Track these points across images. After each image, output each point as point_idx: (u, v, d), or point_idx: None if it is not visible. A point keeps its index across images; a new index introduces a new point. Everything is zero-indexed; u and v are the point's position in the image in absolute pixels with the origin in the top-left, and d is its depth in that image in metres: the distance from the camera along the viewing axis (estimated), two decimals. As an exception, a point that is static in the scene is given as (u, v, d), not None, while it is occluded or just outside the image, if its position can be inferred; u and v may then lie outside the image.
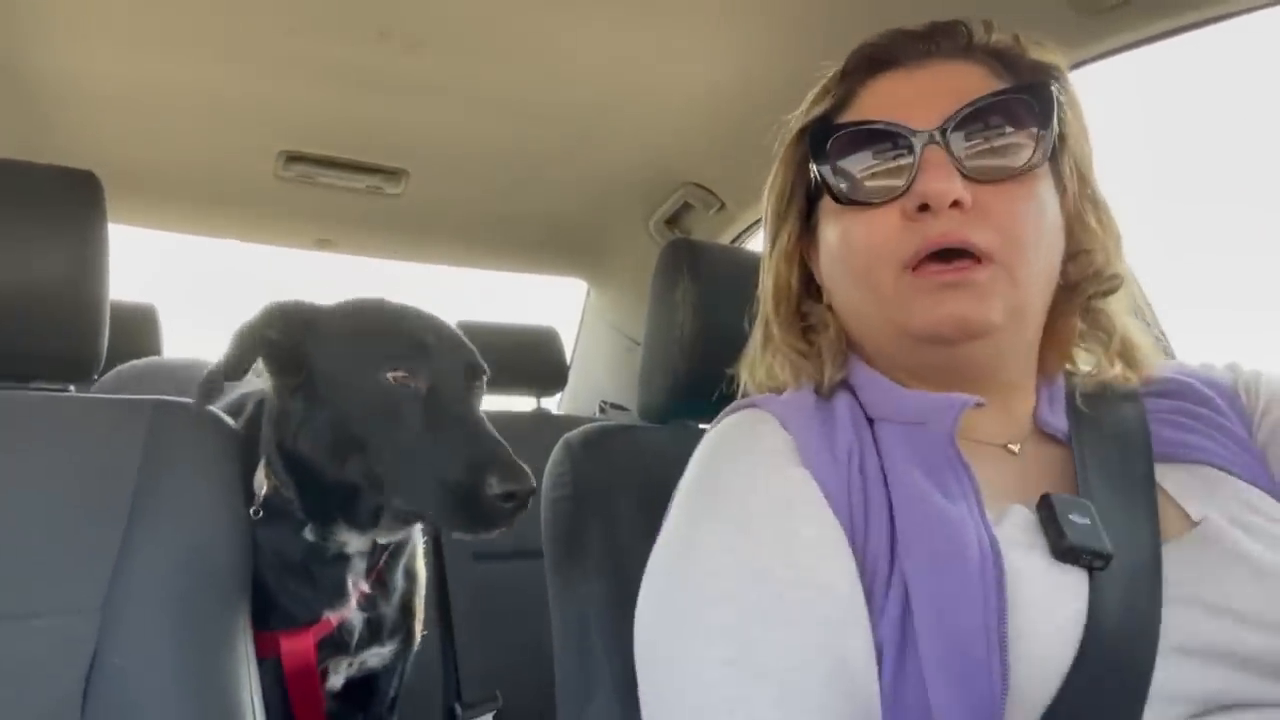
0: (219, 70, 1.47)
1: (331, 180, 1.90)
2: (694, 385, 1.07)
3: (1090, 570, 0.60)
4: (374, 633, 1.21)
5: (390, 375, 1.01)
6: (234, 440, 1.00)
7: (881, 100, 0.72)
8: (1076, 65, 1.18)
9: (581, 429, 1.08)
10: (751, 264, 0.97)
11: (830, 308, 0.79)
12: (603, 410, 2.54)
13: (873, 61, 0.75)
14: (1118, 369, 0.74)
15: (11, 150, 1.05)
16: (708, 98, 1.54)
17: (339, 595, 1.13)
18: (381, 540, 1.14)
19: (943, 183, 0.64)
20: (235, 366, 1.02)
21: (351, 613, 1.16)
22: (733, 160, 1.77)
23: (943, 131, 0.66)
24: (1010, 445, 0.72)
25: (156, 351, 2.26)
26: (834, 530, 0.63)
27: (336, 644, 1.16)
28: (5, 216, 0.90)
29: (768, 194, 0.82)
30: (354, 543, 1.11)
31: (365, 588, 1.16)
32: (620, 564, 0.93)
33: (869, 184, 0.70)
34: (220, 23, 1.32)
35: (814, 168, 0.74)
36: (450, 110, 1.61)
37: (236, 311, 1.03)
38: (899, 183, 0.67)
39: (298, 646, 1.09)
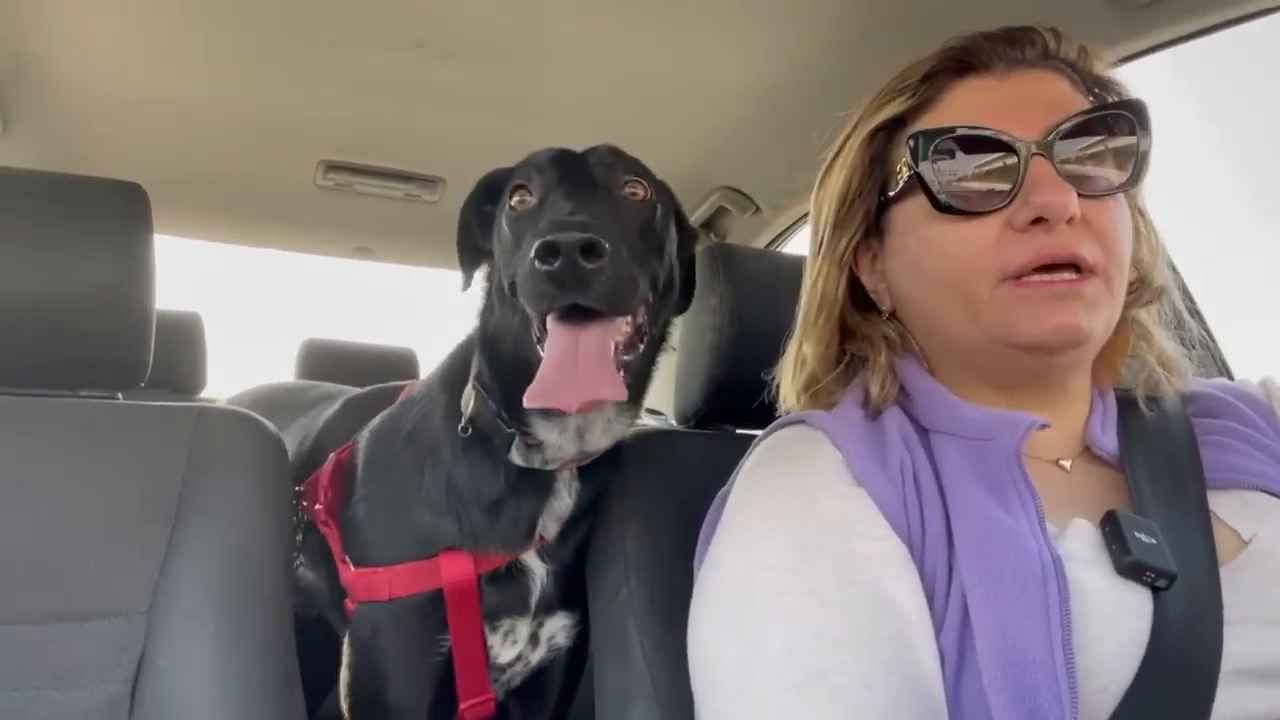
0: (260, 82, 1.49)
1: (370, 189, 1.92)
2: (731, 390, 1.07)
3: (1154, 590, 0.59)
4: (563, 594, 1.04)
5: (512, 203, 0.93)
6: (276, 444, 1.01)
7: (972, 106, 0.70)
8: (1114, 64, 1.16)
9: (618, 434, 1.07)
10: (789, 268, 0.96)
11: (889, 319, 0.77)
12: (638, 415, 2.53)
13: (960, 64, 0.72)
14: (1159, 378, 0.73)
15: (60, 163, 1.08)
16: (741, 101, 1.53)
17: (523, 532, 0.99)
18: (592, 446, 0.98)
19: (1061, 195, 0.63)
20: (465, 251, 1.07)
21: (531, 558, 1.01)
22: (767, 163, 1.76)
23: (1048, 143, 0.65)
24: (1062, 461, 0.71)
25: (202, 358, 2.31)
26: (894, 545, 0.62)
27: (515, 595, 1.02)
28: (56, 228, 0.92)
29: (822, 196, 0.79)
30: (553, 440, 0.95)
31: (551, 534, 1.01)
32: (660, 569, 0.93)
33: (967, 193, 0.67)
34: (261, 36, 1.35)
35: (910, 170, 0.70)
36: (486, 118, 1.62)
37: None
38: (1001, 191, 0.65)
39: (457, 566, 0.98)
